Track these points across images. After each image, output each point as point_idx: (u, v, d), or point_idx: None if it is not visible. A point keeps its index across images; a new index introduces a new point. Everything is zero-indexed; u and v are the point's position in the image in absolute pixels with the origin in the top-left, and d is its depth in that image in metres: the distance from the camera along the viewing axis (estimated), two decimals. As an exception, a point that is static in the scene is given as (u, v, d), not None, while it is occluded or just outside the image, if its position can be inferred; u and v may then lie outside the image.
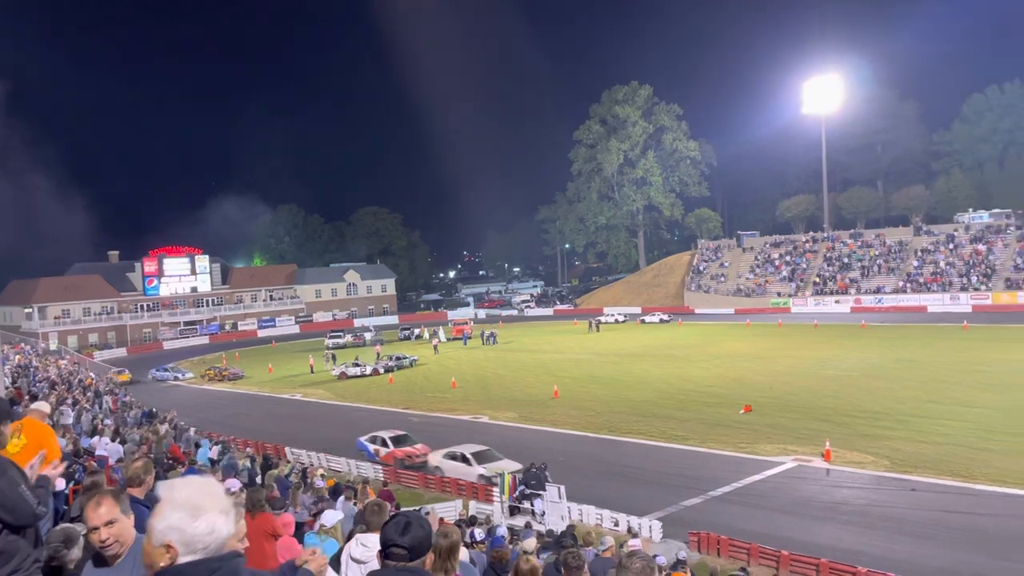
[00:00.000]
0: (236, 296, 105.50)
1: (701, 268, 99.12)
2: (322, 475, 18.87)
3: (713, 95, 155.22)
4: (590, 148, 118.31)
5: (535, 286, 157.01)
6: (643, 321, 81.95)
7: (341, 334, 78.94)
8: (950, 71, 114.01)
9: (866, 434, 29.47)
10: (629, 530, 19.76)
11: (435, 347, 66.96)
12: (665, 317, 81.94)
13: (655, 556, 12.25)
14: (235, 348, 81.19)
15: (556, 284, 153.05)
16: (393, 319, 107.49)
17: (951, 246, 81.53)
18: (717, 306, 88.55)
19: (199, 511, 2.44)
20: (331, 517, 8.46)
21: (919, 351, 49.50)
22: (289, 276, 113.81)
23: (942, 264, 79.49)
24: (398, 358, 58.51)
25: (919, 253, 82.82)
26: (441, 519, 11.89)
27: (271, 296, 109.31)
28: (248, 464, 22.46)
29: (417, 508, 17.07)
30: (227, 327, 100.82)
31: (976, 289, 73.96)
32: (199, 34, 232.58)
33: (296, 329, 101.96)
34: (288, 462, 28.73)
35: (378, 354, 62.57)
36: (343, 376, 54.61)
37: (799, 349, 54.14)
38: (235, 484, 10.70)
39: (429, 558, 2.92)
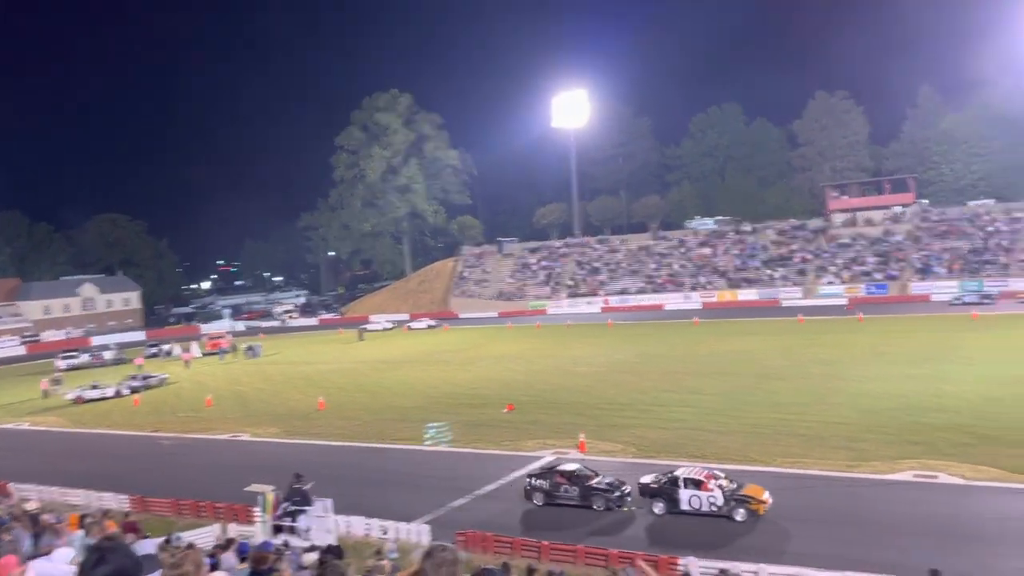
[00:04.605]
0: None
1: (465, 274, 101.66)
2: (37, 509, 16.96)
3: (472, 107, 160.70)
4: (352, 154, 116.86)
5: (298, 296, 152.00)
6: (410, 328, 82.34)
7: (76, 354, 71.34)
8: (678, 91, 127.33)
9: (615, 424, 31.95)
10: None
11: (186, 363, 62.72)
12: (432, 323, 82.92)
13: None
14: (-58, 376, 70.42)
15: (321, 293, 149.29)
16: (140, 335, 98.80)
17: (683, 250, 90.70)
18: (481, 310, 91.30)
19: None
20: (63, 556, 7.66)
21: (657, 345, 54.59)
22: (11, 291, 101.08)
23: (676, 266, 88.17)
24: (144, 377, 54.13)
25: (656, 257, 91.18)
26: (190, 545, 11.24)
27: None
28: (-40, 507, 19.60)
29: (166, 537, 15.97)
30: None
31: (704, 288, 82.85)
32: None
33: (22, 350, 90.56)
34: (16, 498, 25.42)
35: (140, 367, 59.48)
36: (80, 400, 49.41)
37: (555, 349, 57.40)
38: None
39: None
